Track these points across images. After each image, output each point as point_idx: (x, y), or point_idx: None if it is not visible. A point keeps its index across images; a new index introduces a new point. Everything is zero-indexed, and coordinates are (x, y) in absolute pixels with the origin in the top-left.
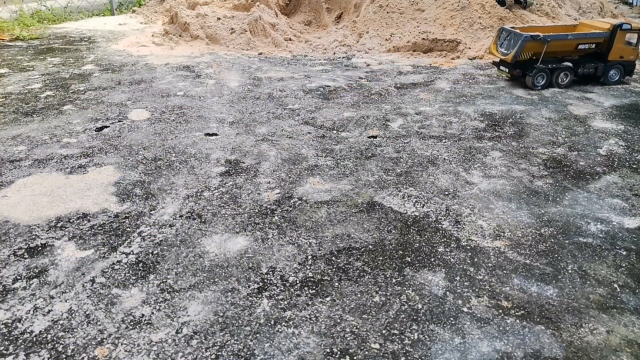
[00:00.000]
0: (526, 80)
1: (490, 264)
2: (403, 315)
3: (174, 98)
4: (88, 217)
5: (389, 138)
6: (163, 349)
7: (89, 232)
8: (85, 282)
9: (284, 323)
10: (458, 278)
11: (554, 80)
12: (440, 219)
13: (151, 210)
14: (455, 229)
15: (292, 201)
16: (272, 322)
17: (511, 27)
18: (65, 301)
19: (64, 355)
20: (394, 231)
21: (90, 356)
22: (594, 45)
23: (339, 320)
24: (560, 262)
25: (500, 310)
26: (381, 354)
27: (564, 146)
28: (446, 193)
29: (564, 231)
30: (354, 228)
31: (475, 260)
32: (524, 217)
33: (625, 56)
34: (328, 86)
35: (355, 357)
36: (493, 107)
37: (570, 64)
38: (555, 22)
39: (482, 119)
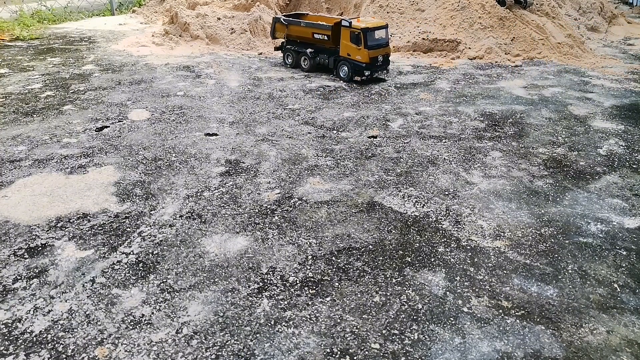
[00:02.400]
0: None
1: (490, 264)
2: (403, 315)
3: (174, 98)
4: (88, 217)
5: (389, 138)
6: (163, 349)
7: (89, 232)
8: (86, 282)
9: (284, 323)
10: (458, 278)
11: (299, 62)
12: (441, 219)
13: (151, 210)
14: (455, 229)
15: (292, 201)
16: (272, 322)
17: (290, 13)
18: (66, 301)
19: (64, 355)
20: (394, 231)
21: (90, 356)
22: (326, 37)
23: (339, 320)
24: (560, 262)
25: (501, 310)
26: (381, 354)
27: (564, 146)
28: (446, 193)
29: (564, 231)
30: (354, 228)
31: (476, 260)
32: (524, 217)
33: (352, 55)
34: (328, 86)
35: (355, 357)
36: (493, 107)
37: (309, 51)
38: (556, 22)
39: (482, 119)
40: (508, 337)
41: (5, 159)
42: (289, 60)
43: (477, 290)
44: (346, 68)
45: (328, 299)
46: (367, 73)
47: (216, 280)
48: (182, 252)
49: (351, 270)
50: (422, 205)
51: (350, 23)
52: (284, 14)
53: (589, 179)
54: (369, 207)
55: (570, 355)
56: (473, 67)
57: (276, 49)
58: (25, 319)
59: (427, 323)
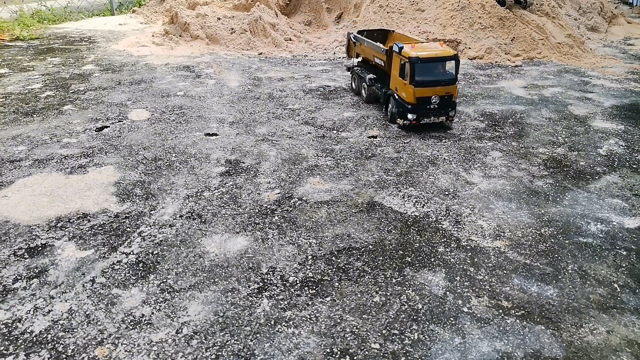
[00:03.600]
0: None
1: (490, 264)
2: (403, 315)
3: (174, 98)
4: (88, 217)
5: (389, 138)
6: (163, 349)
7: (89, 232)
8: (86, 282)
9: (284, 323)
10: (458, 278)
11: (360, 88)
12: (441, 219)
13: (151, 210)
14: (455, 229)
15: (292, 201)
16: (272, 322)
17: (370, 29)
18: (66, 301)
19: (64, 355)
20: (394, 231)
21: (90, 356)
22: (383, 63)
23: (339, 320)
24: (560, 262)
25: (501, 310)
26: (381, 354)
27: (564, 146)
28: (446, 193)
29: (564, 231)
30: (354, 228)
31: (476, 260)
32: (524, 217)
33: (399, 90)
34: (328, 86)
35: (355, 357)
36: (493, 107)
37: (369, 77)
38: (556, 22)
39: (482, 119)
40: (508, 337)
41: (5, 159)
42: (354, 85)
43: (477, 290)
44: (391, 105)
45: (328, 299)
46: (410, 117)
47: (216, 280)
48: (182, 252)
49: (351, 270)
50: (422, 205)
51: (400, 49)
52: (360, 29)
53: (589, 179)
54: (369, 207)
55: (570, 355)
56: (473, 67)
57: (348, 69)
58: (25, 319)
59: (427, 323)
